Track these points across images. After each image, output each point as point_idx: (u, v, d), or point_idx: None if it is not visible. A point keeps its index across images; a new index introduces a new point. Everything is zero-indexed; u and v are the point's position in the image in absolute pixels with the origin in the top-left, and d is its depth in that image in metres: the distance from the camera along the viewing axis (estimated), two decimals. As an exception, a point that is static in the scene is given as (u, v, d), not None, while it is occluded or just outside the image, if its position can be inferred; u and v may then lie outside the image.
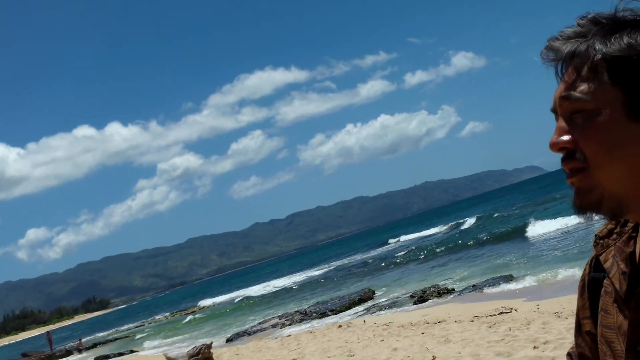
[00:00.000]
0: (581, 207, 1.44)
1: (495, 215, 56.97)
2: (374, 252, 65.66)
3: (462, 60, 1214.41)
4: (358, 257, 66.32)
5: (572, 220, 32.15)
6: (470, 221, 59.58)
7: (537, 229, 35.10)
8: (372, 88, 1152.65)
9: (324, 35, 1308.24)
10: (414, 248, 48.82)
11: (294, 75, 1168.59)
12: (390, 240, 77.82)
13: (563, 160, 1.44)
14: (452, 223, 67.66)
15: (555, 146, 1.44)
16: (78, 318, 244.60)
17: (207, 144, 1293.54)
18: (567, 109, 1.44)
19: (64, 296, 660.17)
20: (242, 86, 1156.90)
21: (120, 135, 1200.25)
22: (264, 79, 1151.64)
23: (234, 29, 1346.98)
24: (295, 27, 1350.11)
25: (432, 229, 71.44)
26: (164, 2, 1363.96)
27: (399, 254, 48.42)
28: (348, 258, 69.65)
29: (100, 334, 69.75)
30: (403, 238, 74.93)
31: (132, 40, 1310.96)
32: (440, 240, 50.86)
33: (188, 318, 50.44)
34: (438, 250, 42.43)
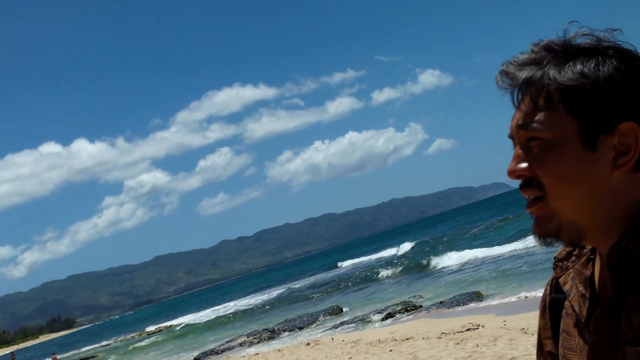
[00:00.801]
0: (541, 235, 1.46)
1: (445, 238, 57.36)
2: (331, 273, 65.45)
3: (429, 78, 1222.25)
4: (323, 275, 66.09)
5: (480, 253, 33.96)
6: (406, 246, 59.84)
7: (443, 262, 36.05)
8: (340, 105, 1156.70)
9: (293, 53, 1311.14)
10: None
11: (263, 92, 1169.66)
12: (340, 264, 77.52)
13: (521, 187, 1.46)
14: (393, 250, 66.41)
15: (513, 174, 1.45)
16: (43, 338, 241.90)
17: (174, 161, 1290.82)
18: (524, 137, 1.45)
19: (29, 315, 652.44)
20: (210, 103, 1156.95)
21: (86, 152, 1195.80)
22: (232, 96, 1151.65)
23: (202, 45, 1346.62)
24: (264, 44, 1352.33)
25: (379, 253, 70.68)
26: (130, 18, 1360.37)
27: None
28: (315, 276, 69.37)
29: (66, 354, 69.03)
30: (347, 262, 74.81)
31: (98, 56, 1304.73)
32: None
33: (153, 338, 50.08)
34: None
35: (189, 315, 66.36)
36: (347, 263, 74.09)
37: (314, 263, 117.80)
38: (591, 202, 1.41)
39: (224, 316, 48.17)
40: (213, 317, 51.73)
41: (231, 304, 64.28)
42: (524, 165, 1.44)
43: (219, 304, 70.38)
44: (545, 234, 1.46)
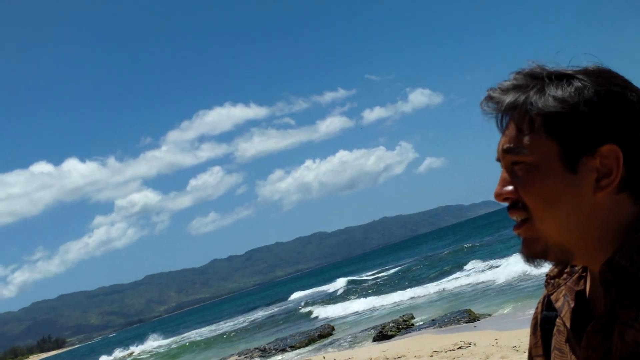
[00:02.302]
0: (528, 256, 1.50)
1: (382, 278, 55.06)
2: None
3: (419, 97, 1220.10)
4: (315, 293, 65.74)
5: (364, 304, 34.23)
6: (339, 283, 58.91)
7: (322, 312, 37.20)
8: (331, 124, 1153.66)
9: (284, 72, 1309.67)
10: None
11: (254, 111, 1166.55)
12: (293, 295, 75.78)
13: (508, 209, 1.50)
14: (322, 288, 65.84)
15: (500, 196, 1.50)
16: (33, 358, 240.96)
17: (165, 180, 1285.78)
18: (509, 161, 1.49)
19: (19, 335, 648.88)
20: (201, 122, 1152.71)
21: (77, 172, 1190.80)
22: (223, 115, 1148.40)
23: (193, 64, 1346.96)
24: (255, 64, 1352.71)
25: (327, 285, 67.65)
26: (120, 37, 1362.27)
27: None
28: (302, 294, 68.97)
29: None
30: (296, 295, 72.89)
31: (89, 75, 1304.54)
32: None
33: (144, 358, 49.85)
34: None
35: (180, 334, 66.01)
36: (299, 295, 72.34)
37: (307, 281, 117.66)
38: (575, 223, 1.44)
39: (215, 335, 47.99)
40: (204, 336, 51.52)
41: (222, 322, 64.01)
42: (509, 188, 1.49)
43: (210, 323, 70.07)
44: (532, 255, 1.49)
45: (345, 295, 45.77)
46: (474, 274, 32.43)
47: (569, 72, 1.49)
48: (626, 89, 1.47)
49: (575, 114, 1.43)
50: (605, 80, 1.47)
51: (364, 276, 62.46)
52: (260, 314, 58.94)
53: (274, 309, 58.95)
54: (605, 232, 1.45)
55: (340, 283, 58.86)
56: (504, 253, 37.70)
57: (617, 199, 1.45)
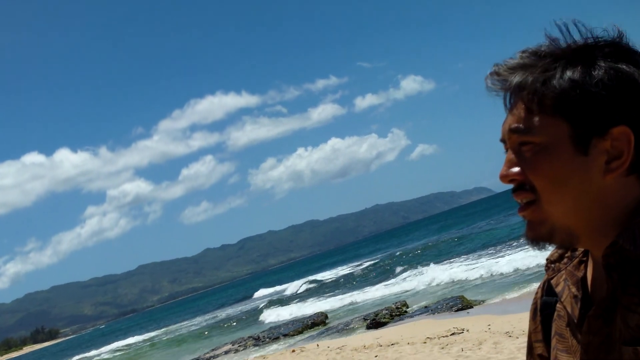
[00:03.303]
0: (534, 240, 1.46)
1: (351, 276, 54.28)
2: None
3: (411, 84, 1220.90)
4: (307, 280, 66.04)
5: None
6: (297, 284, 59.31)
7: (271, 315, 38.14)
8: (323, 112, 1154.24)
9: (275, 60, 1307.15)
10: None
11: (245, 99, 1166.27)
12: (258, 293, 76.40)
13: (514, 191, 1.46)
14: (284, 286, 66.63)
15: (506, 178, 1.46)
16: (27, 349, 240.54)
17: (157, 170, 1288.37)
18: (515, 141, 1.45)
19: (12, 327, 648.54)
20: (193, 111, 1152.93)
21: (69, 162, 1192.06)
22: (215, 104, 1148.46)
23: (185, 53, 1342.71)
24: (246, 52, 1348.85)
25: (286, 284, 69.07)
26: (111, 27, 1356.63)
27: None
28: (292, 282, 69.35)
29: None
30: (261, 292, 73.95)
31: (80, 65, 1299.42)
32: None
33: (139, 348, 49.87)
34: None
35: (173, 324, 66.11)
36: (264, 292, 72.84)
37: (299, 269, 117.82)
38: (583, 206, 1.41)
39: (208, 325, 48.05)
40: (198, 326, 51.58)
41: (216, 312, 64.10)
42: (516, 169, 1.44)
43: (204, 313, 70.18)
44: (537, 238, 1.46)
45: (300, 298, 46.35)
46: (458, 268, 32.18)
47: (578, 48, 1.43)
48: (639, 68, 1.42)
49: (586, 94, 1.38)
50: (617, 58, 1.42)
51: (328, 274, 62.60)
52: (207, 317, 59.78)
53: (229, 310, 59.94)
54: (611, 216, 1.42)
55: (298, 284, 59.40)
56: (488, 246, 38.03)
57: (625, 182, 1.41)
